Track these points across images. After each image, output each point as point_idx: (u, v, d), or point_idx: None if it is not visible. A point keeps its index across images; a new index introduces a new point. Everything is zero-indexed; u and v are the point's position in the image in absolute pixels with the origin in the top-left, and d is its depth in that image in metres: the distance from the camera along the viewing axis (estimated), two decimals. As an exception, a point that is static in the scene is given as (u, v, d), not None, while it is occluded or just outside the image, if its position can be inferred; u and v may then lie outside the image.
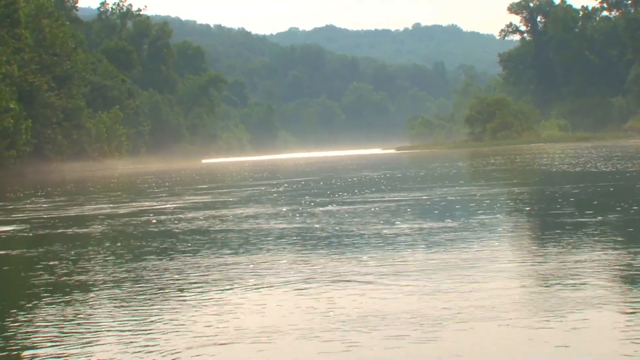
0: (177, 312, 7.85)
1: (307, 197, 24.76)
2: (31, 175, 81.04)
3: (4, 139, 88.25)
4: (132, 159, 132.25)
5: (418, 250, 11.42)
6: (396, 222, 15.35)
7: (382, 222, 15.56)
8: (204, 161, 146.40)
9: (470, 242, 12.10)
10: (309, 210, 19.34)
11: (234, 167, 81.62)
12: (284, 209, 19.91)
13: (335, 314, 7.42)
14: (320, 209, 19.53)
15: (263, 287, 8.96)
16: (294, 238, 13.67)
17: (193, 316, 7.60)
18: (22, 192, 40.44)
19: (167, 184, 42.35)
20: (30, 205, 27.73)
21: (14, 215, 22.91)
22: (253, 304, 8.06)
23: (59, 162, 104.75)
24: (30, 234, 17.00)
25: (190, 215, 19.68)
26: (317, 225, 15.57)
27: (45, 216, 21.86)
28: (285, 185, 33.09)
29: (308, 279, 9.38)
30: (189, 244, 13.48)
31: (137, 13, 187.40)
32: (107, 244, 14.27)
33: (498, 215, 16.20)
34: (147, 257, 12.11)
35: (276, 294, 8.54)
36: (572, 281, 8.53)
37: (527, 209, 17.47)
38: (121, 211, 22.25)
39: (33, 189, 43.49)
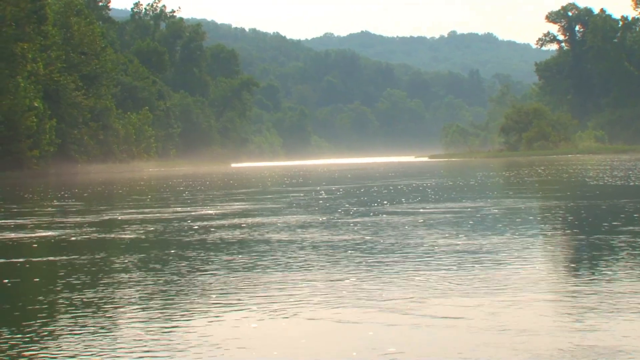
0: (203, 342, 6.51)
1: (350, 205, 22.94)
2: (53, 177, 79.36)
3: (27, 138, 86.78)
4: (161, 161, 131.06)
5: (463, 269, 10.20)
6: (443, 237, 13.78)
7: (430, 235, 14.01)
8: (233, 165, 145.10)
9: (523, 262, 10.67)
10: (356, 220, 17.79)
11: (265, 172, 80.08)
12: (328, 218, 18.39)
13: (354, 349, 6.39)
14: (367, 219, 17.92)
15: (290, 313, 7.79)
16: (342, 253, 12.07)
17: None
18: (43, 194, 38.91)
19: (199, 187, 40.82)
20: (53, 209, 26.20)
21: (29, 219, 21.37)
22: (274, 332, 7.09)
23: (84, 163, 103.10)
24: (54, 241, 15.43)
25: (233, 222, 18.18)
26: (368, 238, 14.10)
27: (68, 221, 20.36)
28: (323, 193, 31.35)
29: (344, 304, 8.14)
30: (236, 256, 12.04)
31: (171, 14, 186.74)
32: (138, 254, 12.83)
33: (561, 231, 14.51)
34: (180, 270, 10.76)
35: (307, 321, 7.46)
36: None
37: (601, 224, 15.50)
38: (151, 217, 20.63)
39: (56, 191, 41.88)
